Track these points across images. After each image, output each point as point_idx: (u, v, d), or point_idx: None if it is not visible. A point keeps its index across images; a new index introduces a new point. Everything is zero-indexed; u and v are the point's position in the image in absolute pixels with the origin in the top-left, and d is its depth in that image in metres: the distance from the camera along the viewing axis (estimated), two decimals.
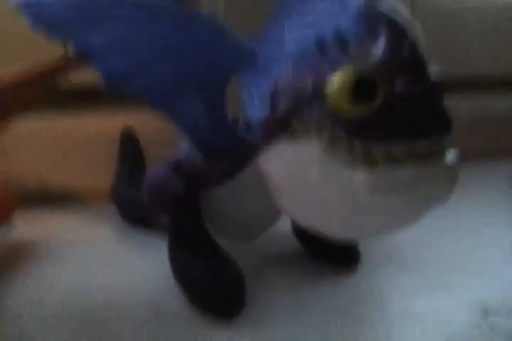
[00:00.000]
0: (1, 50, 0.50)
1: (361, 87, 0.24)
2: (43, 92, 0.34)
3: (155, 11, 0.29)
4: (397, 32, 0.24)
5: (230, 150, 0.35)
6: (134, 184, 0.43)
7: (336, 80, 0.24)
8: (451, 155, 0.25)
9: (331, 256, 0.42)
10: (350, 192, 0.25)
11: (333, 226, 0.29)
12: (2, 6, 0.47)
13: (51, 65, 0.32)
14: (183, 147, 0.39)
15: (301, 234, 0.43)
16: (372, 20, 0.25)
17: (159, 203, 0.39)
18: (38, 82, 0.32)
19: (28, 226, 0.49)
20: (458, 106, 0.68)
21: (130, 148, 0.56)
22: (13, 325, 0.34)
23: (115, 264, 0.42)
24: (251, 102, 0.36)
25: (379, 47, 0.24)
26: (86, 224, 0.51)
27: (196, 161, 0.37)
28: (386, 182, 0.24)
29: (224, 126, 0.35)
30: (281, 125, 0.28)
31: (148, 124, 0.55)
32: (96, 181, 0.56)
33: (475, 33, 0.72)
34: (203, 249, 0.38)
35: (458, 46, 0.71)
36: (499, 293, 0.38)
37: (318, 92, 0.25)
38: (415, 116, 0.23)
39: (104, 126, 0.56)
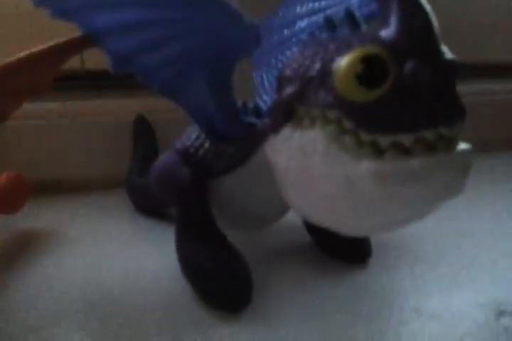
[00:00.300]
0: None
1: (370, 70, 0.22)
2: (53, 75, 0.33)
3: None
4: (409, 11, 0.22)
5: (237, 136, 0.34)
6: (146, 172, 0.42)
7: (344, 62, 0.23)
8: (464, 144, 0.23)
9: (342, 251, 0.41)
10: (357, 183, 0.24)
11: (339, 220, 0.27)
12: None
13: (60, 46, 0.31)
14: (191, 132, 0.38)
15: (311, 226, 0.42)
16: (385, 1, 0.23)
17: (167, 193, 0.39)
18: (49, 63, 0.32)
19: (40, 215, 0.49)
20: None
21: (143, 135, 0.56)
22: (19, 315, 0.34)
23: (126, 255, 0.42)
24: (261, 86, 0.35)
25: (390, 28, 0.23)
26: (99, 213, 0.50)
27: (205, 146, 0.36)
28: (394, 172, 0.22)
29: (231, 110, 0.34)
30: (286, 111, 0.26)
31: (160, 109, 0.55)
32: (111, 168, 0.56)
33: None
34: (211, 240, 0.37)
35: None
36: None
37: (324, 75, 0.24)
38: (426, 102, 0.22)
39: (118, 109, 0.56)
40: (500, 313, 0.34)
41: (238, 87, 0.34)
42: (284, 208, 0.38)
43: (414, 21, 0.22)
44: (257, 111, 0.35)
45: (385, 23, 0.23)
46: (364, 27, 0.26)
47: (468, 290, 0.37)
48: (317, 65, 0.25)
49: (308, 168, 0.26)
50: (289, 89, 0.26)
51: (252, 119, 0.34)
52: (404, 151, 0.22)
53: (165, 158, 0.39)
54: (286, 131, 0.27)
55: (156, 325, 0.33)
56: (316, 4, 0.34)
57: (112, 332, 0.32)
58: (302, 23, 0.34)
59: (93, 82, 0.57)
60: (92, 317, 0.33)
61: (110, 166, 0.56)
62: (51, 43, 0.30)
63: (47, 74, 0.32)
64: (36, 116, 0.52)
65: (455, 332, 0.32)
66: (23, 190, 0.46)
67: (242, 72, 0.34)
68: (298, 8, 0.36)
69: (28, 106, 0.34)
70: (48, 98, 0.50)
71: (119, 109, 0.56)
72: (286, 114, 0.27)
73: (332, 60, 0.24)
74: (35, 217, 0.48)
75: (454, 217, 0.48)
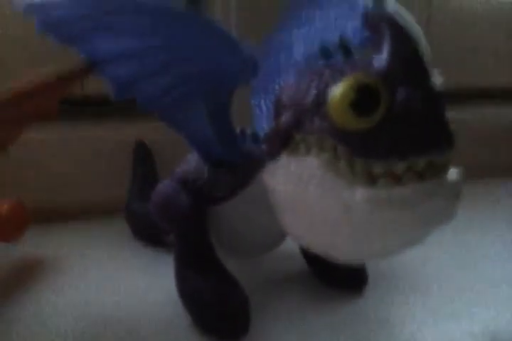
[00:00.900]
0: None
1: (363, 98, 0.22)
2: (55, 102, 0.33)
3: (164, 20, 0.28)
4: (400, 40, 0.23)
5: (236, 163, 0.34)
6: (145, 198, 0.42)
7: (338, 90, 0.23)
8: (454, 171, 0.23)
9: (339, 278, 0.40)
10: (352, 209, 0.24)
11: (335, 246, 0.27)
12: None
13: (63, 74, 0.32)
14: (191, 159, 0.39)
15: (309, 254, 0.42)
16: (378, 28, 0.23)
17: (166, 220, 0.39)
18: (50, 91, 0.32)
19: (38, 241, 0.49)
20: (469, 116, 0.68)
21: (143, 160, 0.56)
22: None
23: (125, 282, 0.42)
24: (259, 113, 0.35)
25: (382, 56, 0.23)
26: (97, 240, 0.50)
27: (204, 174, 0.37)
28: (387, 199, 0.23)
29: (230, 136, 0.34)
30: (283, 138, 0.27)
31: (160, 135, 0.55)
32: (110, 194, 0.56)
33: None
34: (209, 269, 0.37)
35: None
36: (509, 324, 0.36)
37: (320, 103, 0.24)
38: (417, 129, 0.22)
39: (117, 137, 0.56)
40: None
41: (236, 114, 0.34)
42: (282, 235, 0.38)
43: (405, 49, 0.23)
44: (255, 138, 0.35)
45: (377, 51, 0.24)
46: (357, 54, 0.26)
47: (462, 319, 0.37)
48: (312, 93, 0.25)
49: (305, 194, 0.26)
50: (286, 117, 0.26)
51: (250, 146, 0.34)
52: (396, 179, 0.22)
53: (165, 185, 0.39)
54: (283, 158, 0.27)
55: None
56: (312, 28, 0.35)
57: None
58: (299, 48, 0.35)
59: (93, 107, 0.57)
60: None
61: (110, 192, 0.56)
62: (52, 71, 0.31)
63: (50, 101, 0.33)
64: (34, 143, 0.52)
65: None
66: (24, 219, 0.46)
67: (241, 98, 0.34)
68: (295, 31, 0.36)
69: (26, 133, 0.34)
70: (47, 123, 0.51)
71: (119, 134, 0.56)
72: (283, 141, 0.27)
73: (327, 88, 0.24)
74: (33, 243, 0.48)
75: (451, 246, 0.48)
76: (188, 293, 0.36)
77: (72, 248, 0.48)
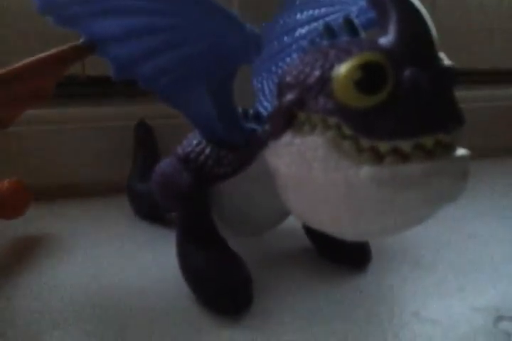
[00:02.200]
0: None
1: (369, 77, 0.22)
2: (54, 82, 0.33)
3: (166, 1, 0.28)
4: (408, 18, 0.23)
5: (238, 142, 0.34)
6: (147, 178, 0.42)
7: (343, 68, 0.23)
8: (461, 150, 0.23)
9: (342, 255, 0.41)
10: (357, 188, 0.24)
11: (339, 225, 0.28)
12: None
13: (63, 53, 0.32)
14: (192, 138, 0.39)
15: (311, 231, 0.42)
16: (383, 7, 0.23)
17: (167, 199, 0.39)
18: (49, 71, 0.32)
19: (40, 220, 0.49)
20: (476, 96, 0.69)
21: (144, 140, 0.56)
22: (21, 320, 0.34)
23: (126, 260, 0.42)
24: (262, 93, 0.35)
25: (389, 35, 0.23)
26: (99, 219, 0.50)
27: (206, 152, 0.37)
28: (393, 178, 0.23)
29: (232, 116, 0.34)
30: (287, 117, 0.27)
31: (161, 114, 0.55)
32: (111, 173, 0.56)
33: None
34: (211, 245, 0.37)
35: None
36: None
37: (324, 82, 0.24)
38: (424, 108, 0.22)
39: (119, 115, 0.56)
40: (499, 318, 0.34)
41: (239, 94, 0.34)
42: (284, 213, 0.39)
43: (413, 28, 0.23)
44: (258, 118, 0.35)
45: (383, 31, 0.23)
46: (363, 34, 0.26)
47: (467, 294, 0.37)
48: (317, 72, 0.25)
49: (309, 173, 0.26)
50: (290, 96, 0.26)
51: (253, 125, 0.34)
52: (403, 157, 0.22)
53: (166, 163, 0.39)
54: (286, 137, 0.27)
55: (158, 329, 0.33)
56: (316, 11, 0.35)
57: (113, 336, 0.32)
58: (302, 30, 0.34)
59: (94, 88, 0.57)
60: (94, 321, 0.33)
61: (111, 172, 0.56)
62: (53, 50, 0.30)
63: (49, 81, 0.32)
64: (37, 123, 0.52)
65: (453, 336, 0.32)
66: (25, 196, 0.46)
67: (243, 78, 0.34)
68: (298, 16, 0.36)
69: (28, 113, 0.34)
70: (48, 104, 0.50)
71: (120, 114, 0.56)
72: (286, 120, 0.27)
73: (332, 67, 0.24)
74: (35, 222, 0.48)
75: (454, 221, 0.48)
76: (190, 269, 0.36)
77: (74, 226, 0.48)
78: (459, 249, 0.44)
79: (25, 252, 0.43)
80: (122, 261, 0.42)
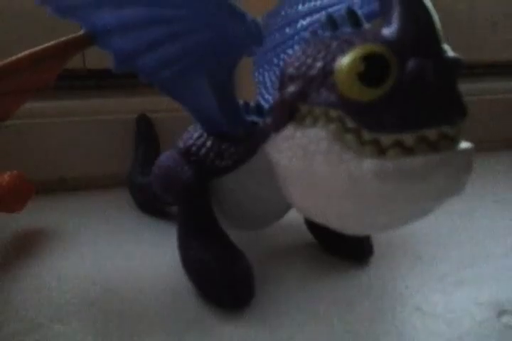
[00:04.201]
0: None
1: (372, 68, 0.22)
2: (55, 75, 0.33)
3: None
4: (411, 9, 0.22)
5: (239, 135, 0.34)
6: (148, 171, 0.42)
7: (345, 60, 0.23)
8: (465, 143, 0.23)
9: (344, 249, 0.41)
10: (359, 181, 0.24)
11: (342, 219, 0.27)
12: None
13: (62, 44, 0.31)
14: (193, 130, 0.38)
15: (313, 225, 0.42)
16: None
17: (168, 192, 0.39)
18: (51, 62, 0.32)
19: (41, 213, 0.49)
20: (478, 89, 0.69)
21: (145, 134, 0.56)
22: (21, 313, 0.33)
23: (127, 253, 0.42)
24: (263, 85, 0.35)
25: (392, 26, 0.22)
26: (100, 212, 0.50)
27: (207, 145, 0.36)
28: (396, 171, 0.22)
29: (233, 109, 0.33)
30: (288, 109, 0.26)
31: (162, 108, 0.55)
32: (112, 167, 0.56)
33: None
34: (213, 239, 0.37)
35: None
36: None
37: (327, 74, 0.24)
38: (428, 100, 0.22)
39: (120, 108, 0.56)
40: (502, 312, 0.34)
41: (240, 87, 0.34)
42: (286, 207, 0.38)
43: (417, 19, 0.22)
44: (259, 111, 0.35)
45: (386, 22, 0.23)
46: (366, 25, 0.26)
47: (470, 288, 0.37)
48: (319, 64, 0.25)
49: (311, 167, 0.26)
50: (292, 88, 0.26)
51: (254, 118, 0.34)
52: (407, 150, 0.22)
53: (167, 157, 0.39)
54: (288, 130, 0.27)
55: (159, 322, 0.33)
56: (318, 2, 0.34)
57: (114, 328, 0.32)
58: (304, 22, 0.34)
59: (95, 81, 0.57)
60: (95, 314, 0.33)
61: (112, 165, 0.56)
62: (53, 42, 0.30)
63: (49, 73, 0.32)
64: (38, 115, 0.52)
65: (456, 331, 0.32)
66: (26, 190, 0.46)
67: (244, 71, 0.34)
68: (300, 7, 0.36)
69: (29, 105, 0.34)
70: (49, 97, 0.50)
71: (121, 107, 0.56)
72: (288, 112, 0.27)
73: (334, 59, 0.24)
74: (36, 215, 0.48)
75: (456, 215, 0.48)
76: (191, 262, 0.36)
77: (75, 220, 0.48)
78: (462, 243, 0.44)
79: (26, 246, 0.43)
80: (123, 254, 0.41)
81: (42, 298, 0.35)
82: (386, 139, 0.22)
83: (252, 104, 0.36)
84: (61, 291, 0.36)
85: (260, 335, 0.32)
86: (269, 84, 0.37)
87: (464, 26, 0.68)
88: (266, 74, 0.37)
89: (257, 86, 0.37)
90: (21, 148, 0.52)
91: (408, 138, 0.22)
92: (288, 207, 0.38)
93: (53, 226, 0.47)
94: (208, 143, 0.36)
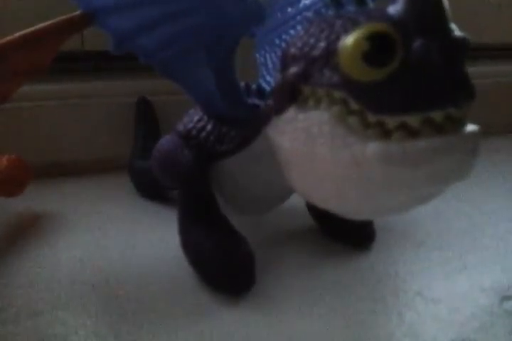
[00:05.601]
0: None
1: (377, 48, 0.21)
2: (52, 56, 0.32)
3: None
4: None
5: (240, 118, 0.33)
6: (148, 155, 0.42)
7: (350, 40, 0.22)
8: (471, 126, 0.22)
9: (345, 234, 0.40)
10: (363, 164, 0.23)
11: (344, 203, 0.27)
12: None
13: (60, 24, 0.31)
14: (193, 114, 0.38)
15: (315, 210, 0.42)
16: None
17: (168, 176, 0.38)
18: (48, 42, 0.31)
19: (40, 197, 0.48)
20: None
21: (145, 117, 0.55)
22: (22, 298, 0.33)
23: (127, 238, 0.42)
24: (265, 67, 0.34)
25: (398, 5, 0.22)
26: (100, 196, 0.50)
27: (207, 128, 0.36)
28: (401, 153, 0.22)
29: (234, 91, 0.33)
30: (291, 91, 0.26)
31: (162, 90, 0.54)
32: (112, 150, 0.56)
33: None
34: (213, 223, 0.36)
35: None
36: None
37: (330, 54, 0.23)
38: (434, 81, 0.21)
39: (119, 91, 0.55)
40: (504, 298, 0.34)
41: (241, 69, 0.33)
42: (287, 191, 0.38)
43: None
44: (260, 93, 0.34)
45: (393, 0, 0.22)
46: (371, 4, 0.25)
47: (472, 274, 0.37)
48: (322, 44, 0.24)
49: (313, 150, 0.25)
50: (294, 69, 0.25)
51: (255, 101, 0.33)
52: (412, 132, 0.21)
53: (166, 140, 0.38)
54: (290, 112, 0.26)
55: (159, 308, 0.32)
56: None
57: (114, 315, 0.32)
58: (307, 1, 0.33)
59: (93, 64, 0.56)
60: (95, 299, 0.33)
61: (111, 148, 0.55)
62: (50, 22, 0.30)
63: (46, 54, 0.31)
64: (35, 98, 0.51)
65: (458, 316, 0.32)
66: (24, 173, 0.46)
67: (245, 53, 0.33)
68: None
69: (27, 88, 0.33)
70: (48, 80, 0.50)
71: (121, 90, 0.55)
72: (290, 94, 0.26)
73: (338, 38, 0.23)
74: (35, 199, 0.48)
75: (460, 200, 0.48)
76: (192, 247, 0.36)
77: (74, 204, 0.48)
78: (464, 228, 0.44)
79: (25, 230, 0.43)
80: (123, 239, 0.41)
81: (42, 283, 0.35)
82: (391, 121, 0.22)
83: (253, 86, 0.35)
84: (61, 277, 0.36)
85: (261, 320, 0.31)
86: (270, 65, 0.36)
87: (467, 9, 0.67)
88: (267, 55, 0.36)
89: (259, 67, 0.37)
90: (18, 131, 0.52)
91: (413, 121, 0.21)
92: (289, 191, 0.38)
93: (52, 211, 0.46)
94: (209, 127, 0.36)
